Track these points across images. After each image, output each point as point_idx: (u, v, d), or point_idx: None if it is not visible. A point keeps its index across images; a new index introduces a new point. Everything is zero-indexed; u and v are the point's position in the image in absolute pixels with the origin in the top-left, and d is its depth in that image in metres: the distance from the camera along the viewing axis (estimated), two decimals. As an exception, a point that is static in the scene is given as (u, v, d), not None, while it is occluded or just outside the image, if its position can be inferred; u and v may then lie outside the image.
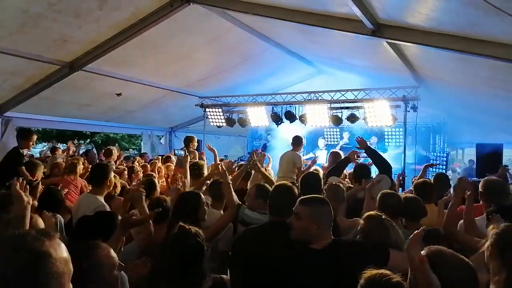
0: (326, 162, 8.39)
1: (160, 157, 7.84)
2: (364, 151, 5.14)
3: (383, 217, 2.50)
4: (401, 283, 1.57)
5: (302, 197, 2.45)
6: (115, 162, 7.31)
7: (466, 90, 7.27)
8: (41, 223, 2.66)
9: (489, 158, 7.64)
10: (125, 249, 2.83)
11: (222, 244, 3.34)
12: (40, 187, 3.68)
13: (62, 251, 1.16)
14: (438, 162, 8.66)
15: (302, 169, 6.16)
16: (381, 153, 5.46)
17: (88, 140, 20.38)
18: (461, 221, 3.20)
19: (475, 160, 9.21)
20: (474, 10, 3.17)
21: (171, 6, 5.49)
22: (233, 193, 3.38)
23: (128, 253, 2.78)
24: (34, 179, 4.47)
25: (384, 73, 8.09)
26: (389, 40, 4.80)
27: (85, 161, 6.63)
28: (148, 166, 6.95)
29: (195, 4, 5.40)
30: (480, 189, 3.42)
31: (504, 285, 1.72)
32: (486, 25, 3.49)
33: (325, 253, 2.23)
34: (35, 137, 5.43)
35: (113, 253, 1.74)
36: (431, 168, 7.71)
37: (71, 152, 7.40)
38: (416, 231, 1.62)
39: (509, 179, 6.47)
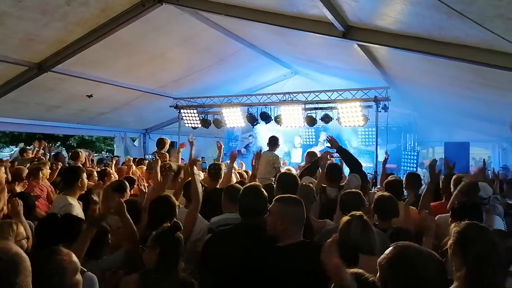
0: (302, 161, 8.48)
1: (131, 159, 7.67)
2: (335, 150, 5.19)
3: (362, 219, 2.41)
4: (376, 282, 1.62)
5: (278, 196, 2.51)
6: (83, 165, 7.10)
7: (433, 90, 7.52)
8: (23, 231, 2.61)
9: (457, 156, 7.93)
10: (114, 255, 2.85)
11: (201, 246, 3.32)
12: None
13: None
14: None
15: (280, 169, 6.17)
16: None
17: (59, 143, 19.73)
18: (437, 216, 3.30)
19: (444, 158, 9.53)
20: (438, 13, 3.29)
21: (143, 6, 5.42)
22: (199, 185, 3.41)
23: (116, 260, 2.79)
24: None
25: (356, 74, 8.26)
26: (359, 42, 4.91)
27: (55, 164, 6.42)
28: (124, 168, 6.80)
29: (167, 4, 5.35)
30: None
31: (464, 281, 1.80)
32: (450, 28, 3.62)
33: (288, 251, 2.27)
34: None
35: (74, 258, 1.75)
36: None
37: (39, 153, 7.13)
38: (330, 239, 1.72)
39: (488, 170, 6.75)
